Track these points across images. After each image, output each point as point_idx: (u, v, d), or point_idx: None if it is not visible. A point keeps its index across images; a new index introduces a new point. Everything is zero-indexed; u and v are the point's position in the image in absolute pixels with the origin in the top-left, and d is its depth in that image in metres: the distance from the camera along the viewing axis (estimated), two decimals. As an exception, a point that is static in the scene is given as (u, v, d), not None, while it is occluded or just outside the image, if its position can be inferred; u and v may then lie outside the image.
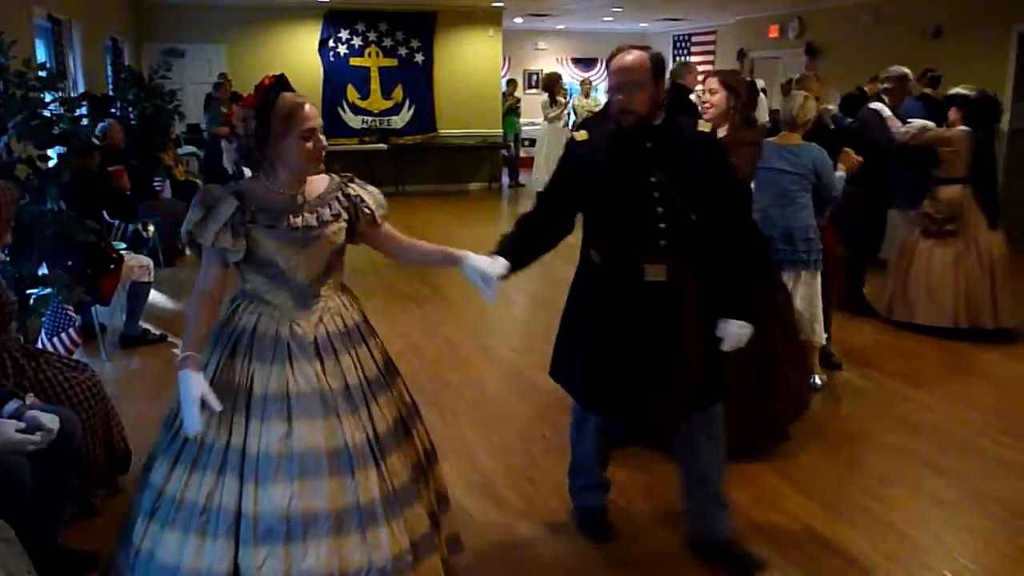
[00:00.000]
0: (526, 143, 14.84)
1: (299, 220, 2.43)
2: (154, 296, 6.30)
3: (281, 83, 2.41)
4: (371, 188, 2.64)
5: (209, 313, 2.43)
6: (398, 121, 13.24)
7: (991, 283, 5.79)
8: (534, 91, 16.88)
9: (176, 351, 5.53)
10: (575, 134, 3.03)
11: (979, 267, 5.78)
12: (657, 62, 2.80)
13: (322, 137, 2.43)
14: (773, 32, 13.65)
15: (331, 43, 12.79)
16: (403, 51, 13.13)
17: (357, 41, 12.94)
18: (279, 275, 2.45)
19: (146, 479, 2.45)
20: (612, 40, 18.06)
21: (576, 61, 18.34)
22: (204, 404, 2.26)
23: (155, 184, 8.36)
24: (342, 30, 12.82)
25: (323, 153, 2.43)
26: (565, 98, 13.14)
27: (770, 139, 4.55)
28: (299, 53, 12.59)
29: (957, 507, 3.57)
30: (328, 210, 2.49)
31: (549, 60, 18.08)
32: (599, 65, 18.16)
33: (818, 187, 4.45)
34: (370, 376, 2.53)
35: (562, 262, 3.33)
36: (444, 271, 8.19)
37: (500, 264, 2.64)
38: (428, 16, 13.11)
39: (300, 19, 12.62)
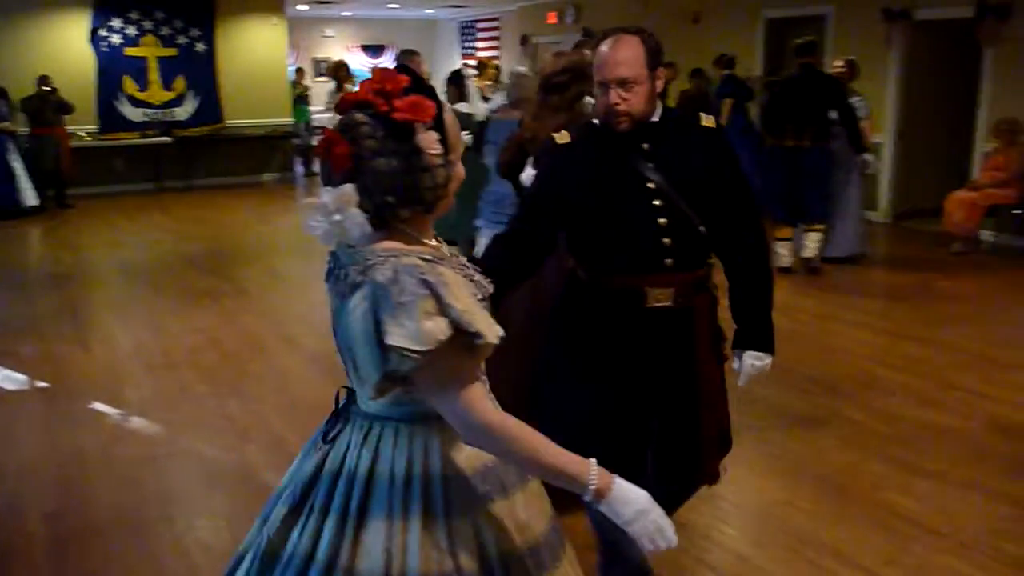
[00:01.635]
0: (318, 131, 14.72)
1: (482, 280, 1.63)
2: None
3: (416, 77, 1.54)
4: None
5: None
6: (182, 113, 12.76)
7: None
8: (323, 79, 16.72)
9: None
10: (555, 135, 2.45)
11: None
12: (653, 47, 2.27)
13: None
14: (552, 18, 14.32)
15: (103, 32, 12.12)
16: (182, 40, 12.65)
17: (131, 30, 12.33)
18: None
19: None
20: (400, 27, 18.35)
21: (365, 48, 18.34)
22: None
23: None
24: (114, 19, 12.17)
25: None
26: (353, 85, 13.14)
27: None
28: (69, 43, 11.85)
29: (739, 448, 4.03)
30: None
31: (338, 47, 17.98)
32: (387, 52, 18.28)
33: None
34: None
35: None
36: (244, 262, 8.08)
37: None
38: (206, 4, 12.69)
39: (66, 7, 11.84)
